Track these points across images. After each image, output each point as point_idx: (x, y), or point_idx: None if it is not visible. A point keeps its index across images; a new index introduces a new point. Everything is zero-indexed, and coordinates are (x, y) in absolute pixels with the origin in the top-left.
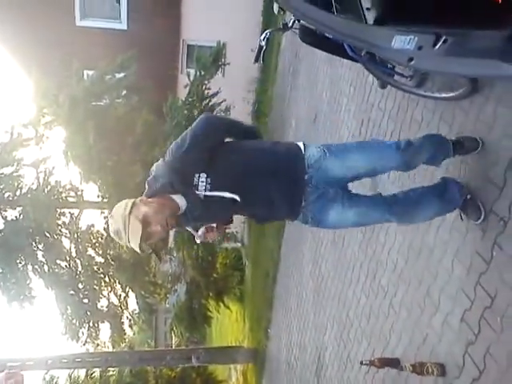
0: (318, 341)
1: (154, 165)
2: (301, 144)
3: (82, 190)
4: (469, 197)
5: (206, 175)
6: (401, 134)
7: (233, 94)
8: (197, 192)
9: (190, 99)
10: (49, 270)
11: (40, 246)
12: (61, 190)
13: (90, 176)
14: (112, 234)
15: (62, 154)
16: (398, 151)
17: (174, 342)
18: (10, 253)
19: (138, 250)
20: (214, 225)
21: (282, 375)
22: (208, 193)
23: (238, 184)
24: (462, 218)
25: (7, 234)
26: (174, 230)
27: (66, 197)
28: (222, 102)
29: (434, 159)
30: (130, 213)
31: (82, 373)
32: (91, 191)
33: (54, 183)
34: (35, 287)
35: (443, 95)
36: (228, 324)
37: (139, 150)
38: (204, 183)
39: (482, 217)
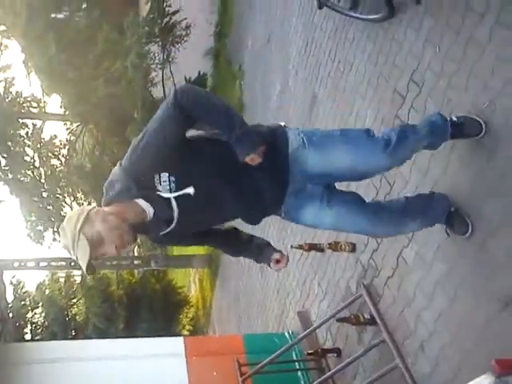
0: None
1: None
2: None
3: (44, 102)
4: (453, 209)
5: (167, 174)
6: (337, 53)
7: (195, 14)
8: (162, 195)
9: (151, 16)
10: (13, 178)
11: (3, 154)
12: (22, 100)
13: (52, 88)
14: (62, 247)
15: (22, 65)
16: (385, 151)
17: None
18: None
19: (84, 270)
20: (278, 256)
21: (232, 275)
22: (172, 194)
23: (210, 177)
24: (448, 234)
25: None
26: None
27: (28, 107)
28: (182, 20)
29: (432, 146)
30: (81, 229)
31: (47, 276)
32: (54, 103)
33: (15, 94)
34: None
35: (369, 17)
36: None
37: (101, 65)
38: (167, 183)
39: (470, 230)
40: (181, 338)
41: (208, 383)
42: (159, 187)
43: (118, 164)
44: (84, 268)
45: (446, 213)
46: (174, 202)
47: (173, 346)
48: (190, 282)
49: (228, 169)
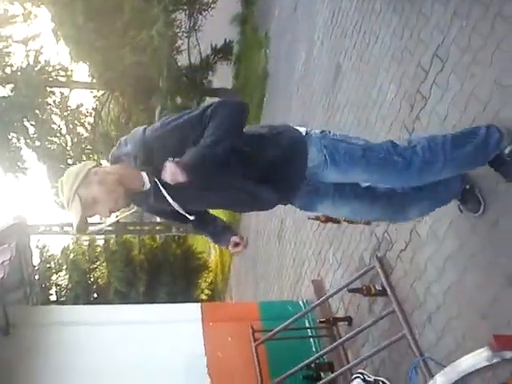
0: (280, 210)
1: (139, 128)
2: (303, 131)
3: (71, 70)
4: (468, 187)
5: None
6: (363, 24)
7: None
8: (157, 181)
9: None
10: (40, 145)
11: (32, 122)
12: (51, 69)
13: (80, 56)
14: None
15: (51, 33)
16: (408, 169)
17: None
18: (4, 127)
19: (74, 229)
20: (237, 239)
21: (251, 242)
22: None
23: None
24: (460, 210)
25: (0, 109)
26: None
27: (56, 75)
28: None
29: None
30: (77, 190)
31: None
32: (81, 72)
33: (43, 62)
34: (28, 160)
35: None
36: None
37: (127, 34)
38: None
39: (482, 209)
40: (198, 304)
41: (223, 348)
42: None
43: (142, 128)
44: (74, 227)
45: (461, 190)
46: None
47: (190, 312)
48: (209, 247)
49: (235, 172)
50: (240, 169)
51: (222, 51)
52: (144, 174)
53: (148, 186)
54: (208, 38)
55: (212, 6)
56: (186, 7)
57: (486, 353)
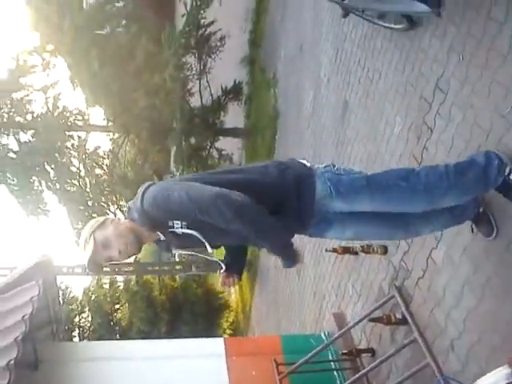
0: (299, 244)
1: (140, 188)
2: (308, 165)
3: (88, 115)
4: (482, 210)
5: (179, 221)
6: (366, 61)
7: (229, 23)
8: (172, 230)
9: (187, 28)
10: (60, 188)
11: (52, 166)
12: (68, 114)
13: (96, 100)
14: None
15: (68, 80)
16: (413, 193)
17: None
18: (26, 171)
19: (86, 266)
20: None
21: (271, 279)
22: (185, 230)
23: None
24: (472, 231)
25: (22, 154)
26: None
27: (74, 120)
28: (217, 31)
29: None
30: (93, 232)
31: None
32: (97, 116)
33: (61, 108)
34: (49, 203)
35: (396, 26)
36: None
37: (141, 77)
38: (179, 225)
39: (494, 234)
40: (221, 339)
41: (247, 382)
42: (173, 227)
43: (141, 193)
44: (86, 266)
45: (476, 210)
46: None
47: (213, 347)
48: (230, 290)
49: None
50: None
51: (232, 92)
52: (157, 233)
53: (162, 238)
54: (218, 79)
55: (220, 49)
56: (195, 50)
57: (505, 371)
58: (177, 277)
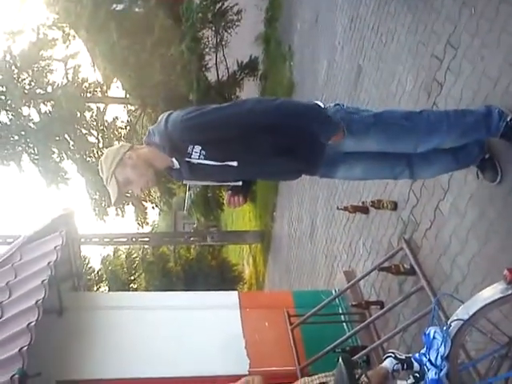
0: (312, 210)
1: (162, 115)
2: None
3: (106, 86)
4: (487, 156)
5: (200, 147)
6: (379, 26)
7: (244, 0)
8: (188, 159)
9: (204, 2)
10: (79, 158)
11: (71, 136)
12: (87, 85)
13: (114, 72)
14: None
15: (87, 54)
16: (415, 131)
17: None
18: (46, 141)
19: (113, 203)
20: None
21: (284, 247)
22: (201, 161)
23: (237, 151)
24: (478, 177)
25: (42, 125)
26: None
27: (93, 91)
28: (233, 5)
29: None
30: (114, 172)
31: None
32: (115, 89)
33: (81, 79)
34: (69, 172)
35: None
36: (239, 212)
37: (158, 50)
38: (198, 154)
39: (499, 178)
40: (235, 292)
41: (260, 332)
42: (190, 155)
43: (165, 118)
44: (113, 202)
45: (482, 155)
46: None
47: (228, 299)
48: (243, 263)
49: (265, 150)
50: (270, 140)
51: (248, 67)
52: (172, 159)
53: (177, 165)
54: (234, 55)
55: (237, 23)
56: (212, 24)
57: (500, 286)
58: (192, 249)
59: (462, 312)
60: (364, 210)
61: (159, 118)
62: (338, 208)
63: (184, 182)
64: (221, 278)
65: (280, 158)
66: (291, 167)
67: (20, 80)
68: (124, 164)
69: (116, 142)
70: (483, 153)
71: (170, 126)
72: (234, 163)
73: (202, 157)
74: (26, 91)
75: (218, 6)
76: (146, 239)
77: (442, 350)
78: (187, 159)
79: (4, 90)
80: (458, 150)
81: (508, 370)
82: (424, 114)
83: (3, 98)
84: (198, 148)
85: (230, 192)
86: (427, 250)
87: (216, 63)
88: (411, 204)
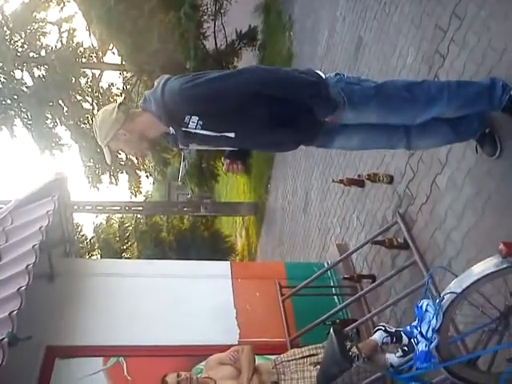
0: (307, 183)
1: (158, 80)
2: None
3: (102, 52)
4: (487, 130)
5: (197, 118)
6: None
7: None
8: (185, 129)
9: None
10: (73, 124)
11: (65, 102)
12: (82, 50)
13: (110, 37)
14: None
15: (83, 16)
16: (415, 102)
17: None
18: (40, 106)
19: (108, 162)
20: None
21: (277, 220)
22: (198, 131)
23: (235, 122)
24: (477, 151)
25: (36, 89)
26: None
27: (88, 56)
28: None
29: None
30: (108, 143)
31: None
32: (110, 55)
33: (76, 44)
34: (63, 138)
35: None
36: (234, 184)
37: (155, 16)
38: (195, 123)
39: (498, 153)
40: (227, 262)
41: (251, 302)
42: (187, 125)
43: (161, 85)
44: (108, 162)
45: (480, 130)
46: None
47: (220, 269)
48: (236, 235)
49: (263, 122)
50: (269, 111)
51: (247, 36)
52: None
53: (172, 131)
54: (233, 24)
55: None
56: None
57: (495, 259)
58: (185, 219)
59: (456, 285)
60: (359, 183)
61: (155, 83)
62: (333, 181)
63: (180, 147)
64: (213, 248)
65: (278, 129)
66: (289, 138)
67: (12, 42)
68: (117, 139)
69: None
70: (483, 127)
71: (166, 96)
72: (232, 134)
73: (198, 127)
74: (18, 54)
75: None
76: (140, 208)
77: (433, 322)
78: (184, 129)
79: None
80: (457, 122)
81: (496, 344)
82: (425, 84)
83: None
84: (195, 118)
85: (228, 160)
86: (422, 225)
87: (214, 31)
88: (407, 178)
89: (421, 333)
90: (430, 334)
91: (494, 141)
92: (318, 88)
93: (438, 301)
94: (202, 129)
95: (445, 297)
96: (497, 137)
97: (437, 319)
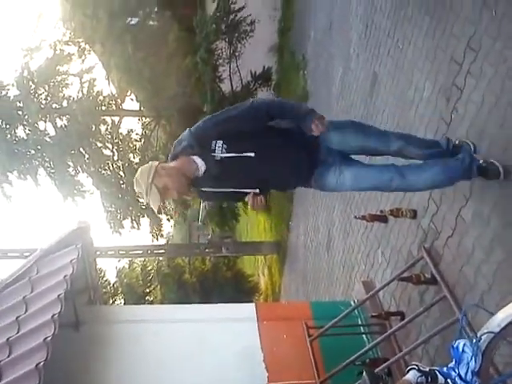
0: (328, 220)
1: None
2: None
3: (121, 99)
4: (481, 161)
5: (222, 141)
6: (396, 32)
7: (258, 11)
8: (213, 154)
9: (217, 14)
10: (95, 171)
11: (86, 149)
12: (102, 98)
13: (129, 85)
14: (137, 193)
15: (103, 66)
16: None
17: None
18: (62, 155)
19: (156, 211)
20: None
21: (300, 258)
22: (224, 154)
23: (253, 144)
24: (485, 179)
25: (58, 139)
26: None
27: (107, 103)
28: (247, 16)
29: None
30: (152, 181)
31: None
32: (130, 102)
33: (96, 93)
34: (85, 185)
35: None
36: (254, 222)
37: (172, 62)
38: (220, 148)
39: (502, 174)
40: (252, 304)
41: (279, 345)
42: (214, 150)
43: (187, 129)
44: (155, 210)
45: (474, 166)
46: (221, 159)
47: (246, 311)
48: (258, 274)
49: (275, 147)
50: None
51: (262, 77)
52: (197, 159)
53: (203, 169)
54: (247, 66)
55: (250, 34)
56: (225, 36)
57: None
58: (207, 260)
59: (493, 324)
60: (382, 218)
61: (182, 134)
62: (355, 217)
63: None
64: (237, 288)
65: (288, 147)
66: (301, 157)
67: (37, 95)
68: (159, 174)
69: (131, 155)
70: (475, 161)
71: (193, 129)
72: (252, 154)
73: (224, 150)
74: (42, 106)
75: (232, 17)
76: (162, 251)
77: (472, 364)
78: (212, 154)
79: (21, 105)
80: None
81: None
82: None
83: (20, 113)
84: (220, 142)
85: (251, 195)
86: (449, 259)
87: (230, 74)
88: (431, 212)
89: (459, 375)
90: (469, 377)
91: (492, 164)
92: (298, 107)
93: (475, 341)
94: (226, 152)
95: (482, 337)
96: (492, 160)
97: (475, 361)
